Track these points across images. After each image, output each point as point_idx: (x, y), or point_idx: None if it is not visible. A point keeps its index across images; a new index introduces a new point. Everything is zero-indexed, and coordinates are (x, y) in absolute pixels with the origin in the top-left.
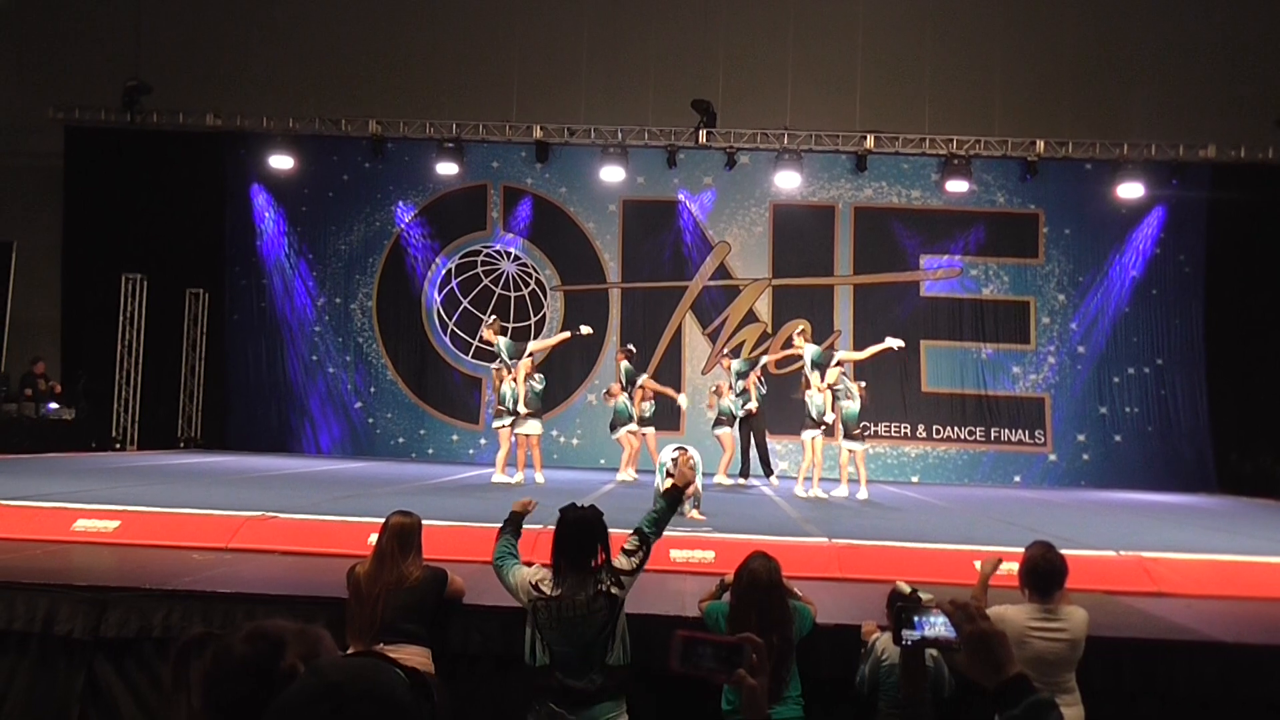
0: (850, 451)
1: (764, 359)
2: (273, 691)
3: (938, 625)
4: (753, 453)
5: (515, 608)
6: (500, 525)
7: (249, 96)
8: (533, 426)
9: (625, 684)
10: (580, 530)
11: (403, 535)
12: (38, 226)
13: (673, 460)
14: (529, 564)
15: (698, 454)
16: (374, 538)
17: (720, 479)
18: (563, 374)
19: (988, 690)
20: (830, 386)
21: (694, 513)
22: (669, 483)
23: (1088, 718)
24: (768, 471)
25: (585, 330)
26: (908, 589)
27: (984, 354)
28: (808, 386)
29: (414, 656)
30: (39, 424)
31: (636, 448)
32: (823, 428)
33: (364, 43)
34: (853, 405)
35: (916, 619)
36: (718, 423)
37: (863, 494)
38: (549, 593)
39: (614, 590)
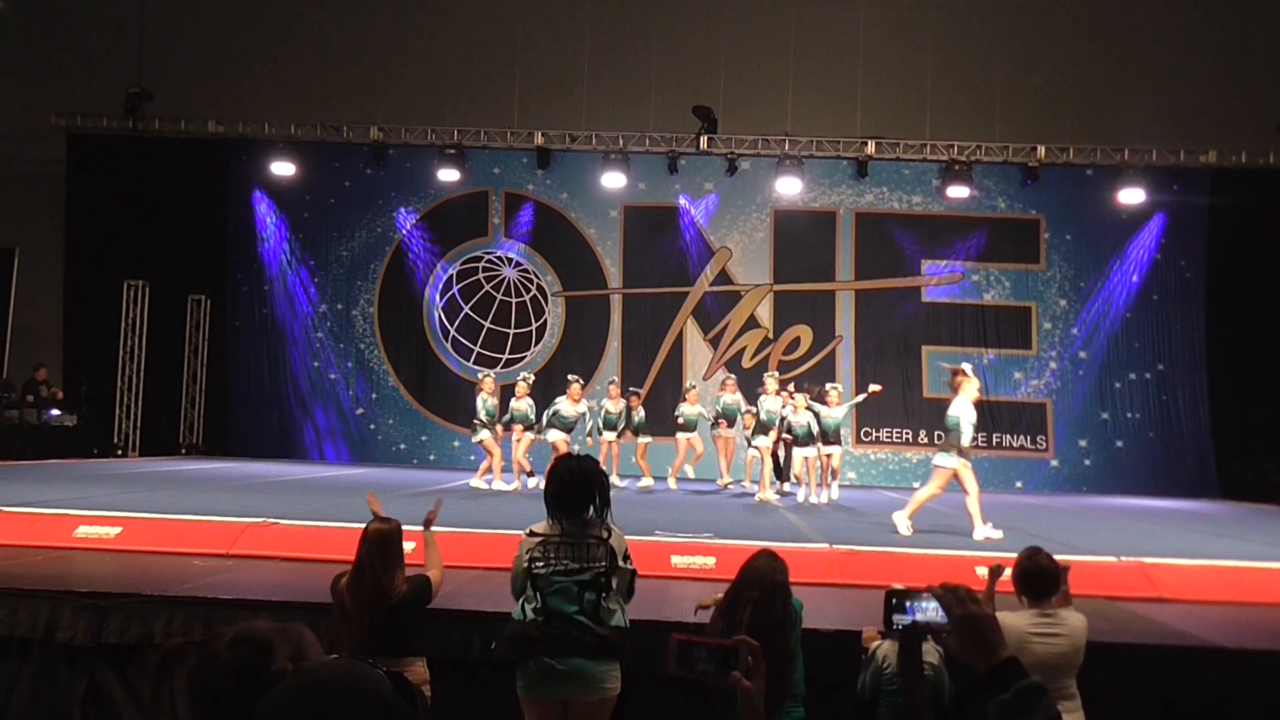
0: (805, 459)
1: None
2: (262, 694)
3: (929, 610)
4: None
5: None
6: None
7: (251, 103)
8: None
9: (620, 647)
10: (575, 480)
11: (383, 545)
12: (40, 233)
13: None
14: None
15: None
16: None
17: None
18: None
19: (979, 674)
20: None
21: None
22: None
23: None
24: (783, 480)
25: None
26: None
27: (986, 359)
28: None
29: (412, 667)
30: (41, 430)
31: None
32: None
33: (366, 49)
34: (799, 418)
35: (908, 604)
36: (758, 431)
37: (823, 496)
38: (545, 531)
39: (612, 545)
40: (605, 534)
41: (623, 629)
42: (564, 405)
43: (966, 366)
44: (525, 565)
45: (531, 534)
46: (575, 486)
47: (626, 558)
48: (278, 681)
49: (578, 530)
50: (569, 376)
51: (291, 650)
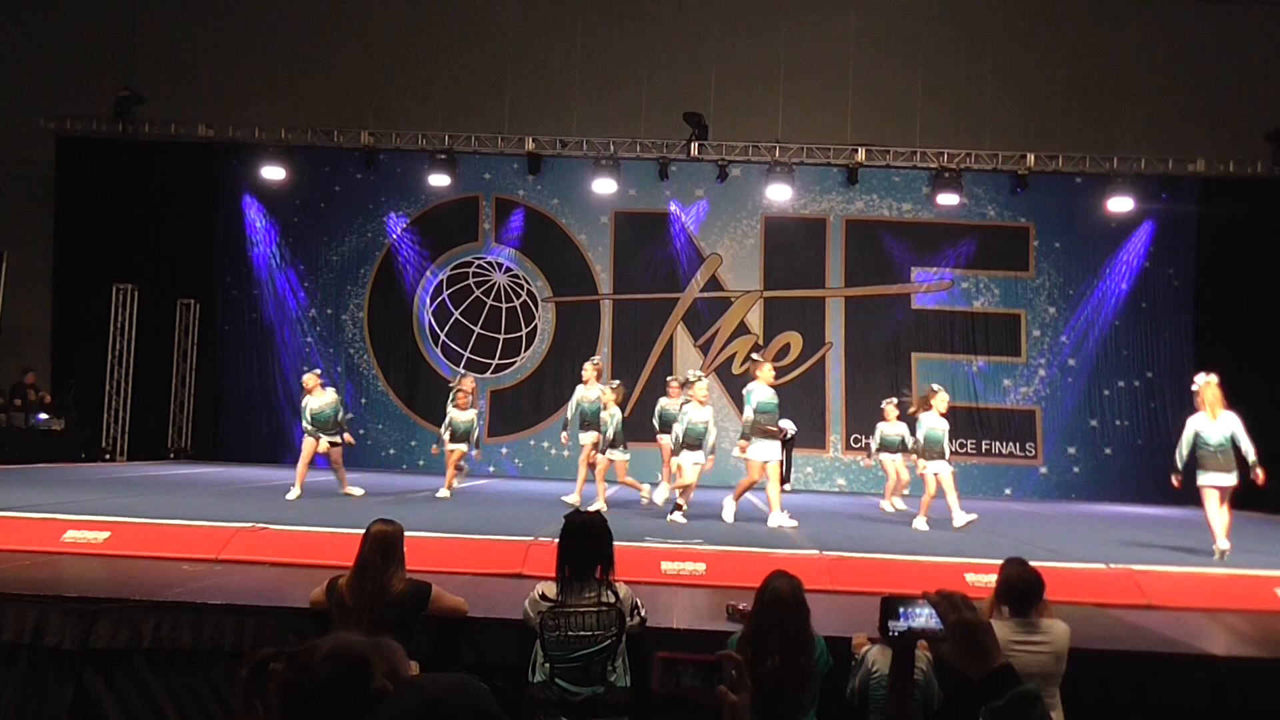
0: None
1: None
2: (360, 712)
3: (923, 616)
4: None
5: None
6: None
7: (241, 107)
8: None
9: (626, 705)
10: (584, 535)
11: (385, 544)
12: (29, 236)
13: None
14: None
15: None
16: None
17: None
18: (555, 386)
19: (973, 681)
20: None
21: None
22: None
23: None
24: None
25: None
26: None
27: (975, 366)
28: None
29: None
30: (29, 434)
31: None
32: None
33: (357, 54)
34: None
35: (903, 610)
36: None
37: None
38: (554, 598)
39: (620, 608)
40: (612, 597)
41: (627, 690)
42: (675, 405)
43: (1213, 378)
44: (536, 628)
45: (543, 597)
46: (586, 546)
47: (634, 609)
48: (376, 699)
49: (585, 599)
50: (696, 370)
51: (388, 667)
